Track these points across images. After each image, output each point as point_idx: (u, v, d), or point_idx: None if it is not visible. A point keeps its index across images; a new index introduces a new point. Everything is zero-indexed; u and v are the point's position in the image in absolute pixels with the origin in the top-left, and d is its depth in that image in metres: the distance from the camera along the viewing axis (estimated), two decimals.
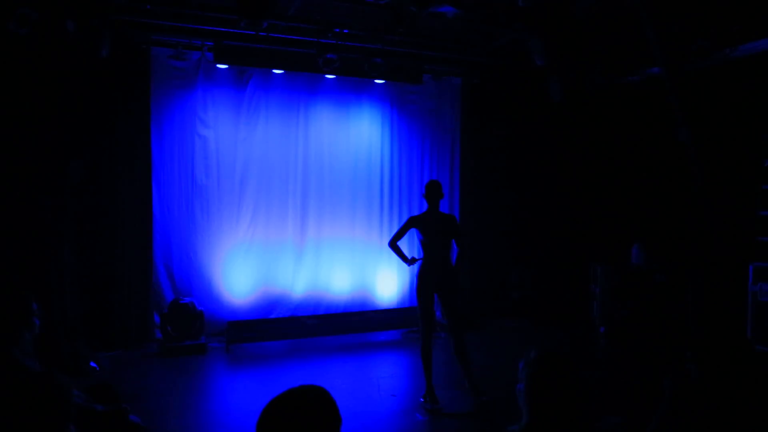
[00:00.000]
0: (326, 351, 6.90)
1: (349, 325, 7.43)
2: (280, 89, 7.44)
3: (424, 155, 8.30)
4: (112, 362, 6.11)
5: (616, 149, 8.22)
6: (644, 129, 7.82)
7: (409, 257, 5.34)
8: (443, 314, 6.99)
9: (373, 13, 6.23)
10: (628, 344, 6.83)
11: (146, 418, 3.53)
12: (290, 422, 1.53)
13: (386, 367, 6.57)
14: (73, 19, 5.69)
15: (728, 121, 6.61)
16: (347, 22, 6.55)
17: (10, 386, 1.97)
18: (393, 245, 5.27)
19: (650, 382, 4.75)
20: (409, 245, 6.65)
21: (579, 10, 6.24)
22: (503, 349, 6.86)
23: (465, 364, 5.09)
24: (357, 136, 7.90)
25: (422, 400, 5.05)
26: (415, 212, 6.26)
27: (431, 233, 5.09)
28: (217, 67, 6.98)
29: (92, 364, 5.78)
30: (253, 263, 7.34)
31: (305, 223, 7.60)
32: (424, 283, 5.08)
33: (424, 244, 5.12)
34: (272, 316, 7.31)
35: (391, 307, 7.91)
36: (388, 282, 8.00)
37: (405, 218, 5.67)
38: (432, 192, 5.12)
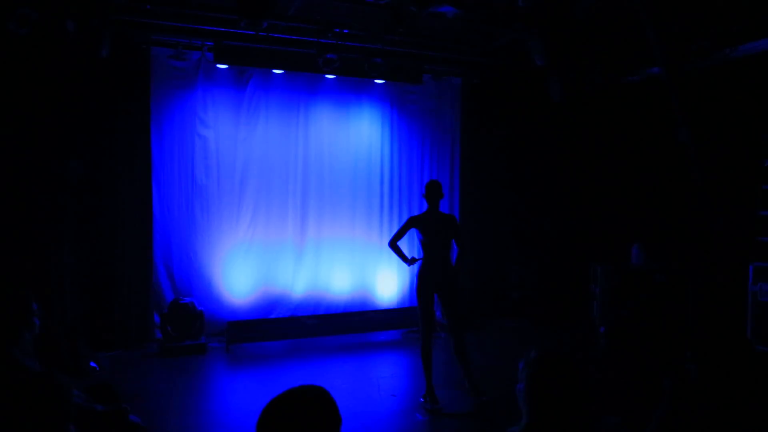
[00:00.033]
0: (326, 351, 6.90)
1: (349, 325, 7.44)
2: (280, 89, 7.44)
3: (424, 155, 8.30)
4: (112, 362, 6.11)
5: (616, 149, 8.22)
6: (644, 129, 7.82)
7: (409, 257, 5.34)
8: (443, 314, 6.99)
9: (373, 13, 6.23)
10: (628, 344, 6.82)
11: (146, 418, 3.53)
12: (290, 422, 1.53)
13: (386, 367, 6.58)
14: (73, 19, 5.69)
15: (728, 121, 6.61)
16: (347, 22, 6.55)
17: (10, 386, 1.97)
18: (393, 245, 5.27)
19: (650, 382, 4.74)
20: (409, 245, 6.64)
21: (579, 10, 6.24)
22: (503, 349, 6.86)
23: (465, 364, 5.09)
24: (357, 136, 7.90)
25: (422, 400, 5.05)
26: (415, 212, 6.26)
27: (431, 233, 5.09)
28: (217, 67, 6.98)
29: (92, 364, 5.77)
30: (253, 263, 7.34)
31: (305, 223, 7.60)
32: (424, 283, 5.08)
33: (424, 244, 5.12)
34: (272, 316, 7.31)
35: (391, 307, 7.91)
36: (388, 282, 8.00)
37: (405, 218, 5.67)
38: (432, 192, 5.12)
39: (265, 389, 5.42)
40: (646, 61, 7.08)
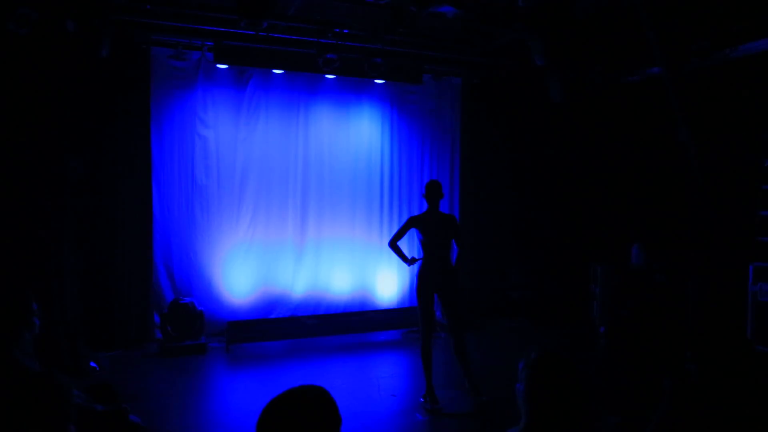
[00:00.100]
0: (326, 351, 6.90)
1: (349, 325, 7.43)
2: (280, 89, 7.44)
3: (424, 155, 8.30)
4: (112, 362, 6.11)
5: (616, 149, 8.22)
6: (644, 129, 7.82)
7: (409, 257, 5.34)
8: (443, 314, 6.99)
9: (373, 13, 6.23)
10: (628, 344, 6.82)
11: (146, 418, 3.54)
12: (290, 422, 1.53)
13: (386, 367, 6.57)
14: (73, 19, 5.70)
15: (728, 121, 6.61)
16: (347, 22, 6.55)
17: (10, 386, 1.97)
18: (393, 245, 5.27)
19: (650, 382, 4.75)
20: (409, 245, 6.65)
21: (579, 10, 6.24)
22: (503, 349, 6.86)
23: (465, 364, 5.09)
24: (357, 136, 7.90)
25: (422, 400, 5.05)
26: (415, 212, 6.26)
27: (431, 233, 5.09)
28: (217, 67, 6.98)
29: (92, 364, 5.78)
30: (253, 263, 7.34)
31: (305, 223, 7.60)
32: (424, 283, 5.08)
33: (424, 244, 5.12)
34: (272, 316, 7.31)
35: (391, 307, 7.91)
36: (388, 282, 8.00)
37: (405, 218, 5.67)
38: (432, 192, 5.12)
39: (265, 389, 5.42)
40: (646, 61, 7.09)
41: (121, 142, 6.64)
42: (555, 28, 6.62)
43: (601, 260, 7.46)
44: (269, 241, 7.42)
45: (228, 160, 7.24)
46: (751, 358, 2.40)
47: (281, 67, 7.13)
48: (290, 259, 7.52)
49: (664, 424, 2.31)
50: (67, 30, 5.69)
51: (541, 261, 8.38)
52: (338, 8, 6.27)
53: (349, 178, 7.83)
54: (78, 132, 6.26)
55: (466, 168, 8.40)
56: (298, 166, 7.57)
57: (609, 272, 7.27)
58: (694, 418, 2.28)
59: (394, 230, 5.40)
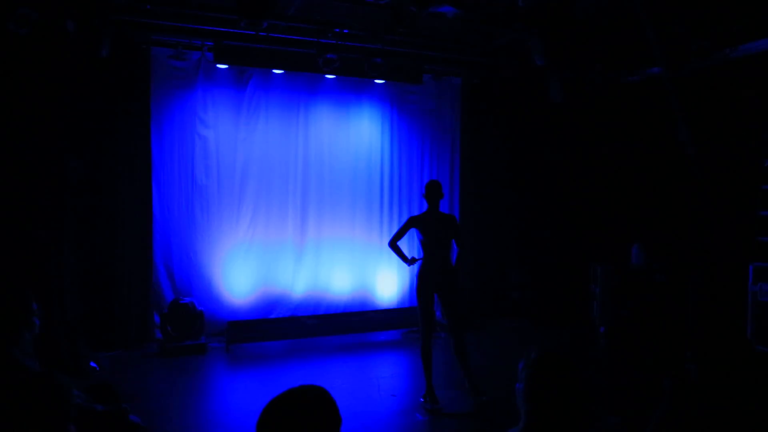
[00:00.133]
0: (326, 351, 6.90)
1: (349, 325, 7.43)
2: (280, 89, 7.44)
3: (424, 155, 8.30)
4: (112, 362, 6.11)
5: (616, 149, 8.22)
6: (644, 129, 7.82)
7: (409, 257, 5.34)
8: (443, 314, 6.99)
9: (373, 13, 6.23)
10: (628, 344, 6.82)
11: (146, 418, 3.53)
12: (290, 422, 1.53)
13: (386, 367, 6.58)
14: (73, 19, 5.70)
15: (728, 121, 6.61)
16: (347, 22, 6.55)
17: (10, 386, 1.97)
18: (393, 245, 5.27)
19: (650, 382, 4.75)
20: (409, 245, 6.64)
21: (579, 10, 6.24)
22: (503, 349, 6.86)
23: (465, 364, 5.09)
24: (357, 136, 7.90)
25: (422, 400, 5.05)
26: (415, 212, 6.26)
27: (431, 233, 5.09)
28: (217, 67, 6.97)
29: (92, 364, 5.78)
30: (253, 263, 7.34)
31: (305, 223, 7.60)
32: (424, 283, 5.08)
33: (424, 244, 5.12)
34: (272, 316, 7.31)
35: (391, 307, 7.91)
36: (388, 282, 8.00)
37: (405, 218, 5.67)
38: (432, 192, 5.12)
39: (265, 389, 5.42)
40: (646, 61, 7.09)
41: (121, 142, 6.63)
42: (555, 28, 6.62)
43: (601, 260, 7.46)
44: (269, 241, 7.42)
45: (228, 160, 7.23)
46: (751, 358, 2.40)
47: (281, 67, 7.13)
48: (290, 259, 7.52)
49: (664, 424, 2.31)
50: (67, 30, 5.69)
51: (541, 261, 8.37)
52: (338, 8, 6.26)
53: (349, 178, 7.83)
54: (78, 132, 6.26)
55: (466, 168, 8.40)
56: (298, 166, 7.57)
57: (609, 272, 7.27)
58: (694, 418, 2.28)
59: (394, 230, 5.40)
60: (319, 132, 7.67)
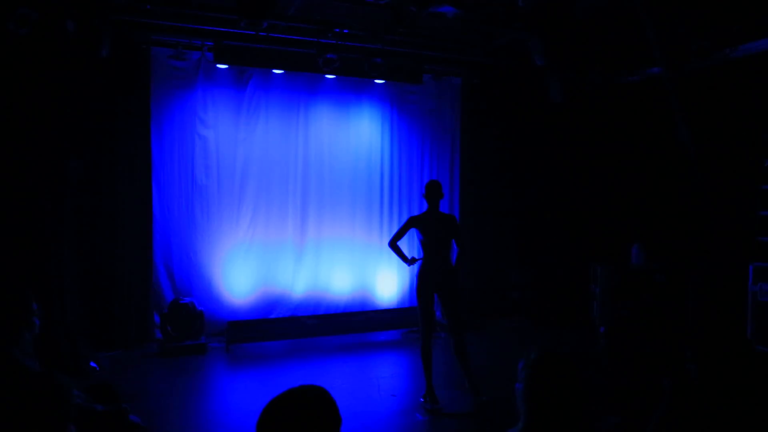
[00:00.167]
0: (326, 351, 6.90)
1: (349, 325, 7.43)
2: (280, 89, 7.44)
3: (424, 155, 8.30)
4: (112, 362, 6.11)
5: (616, 149, 8.22)
6: (644, 129, 7.82)
7: (409, 257, 5.34)
8: (443, 314, 6.99)
9: (373, 13, 6.23)
10: (628, 344, 6.82)
11: (146, 418, 3.53)
12: (290, 422, 1.53)
13: (386, 367, 6.57)
14: (73, 19, 5.69)
15: (728, 121, 6.61)
16: (347, 22, 6.55)
17: (10, 386, 1.97)
18: (393, 245, 5.27)
19: (650, 382, 4.74)
20: (409, 245, 6.64)
21: (579, 10, 6.24)
22: (503, 349, 6.86)
23: (465, 364, 5.09)
24: (357, 136, 7.90)
25: (422, 400, 5.05)
26: (415, 212, 6.26)
27: (431, 233, 5.09)
28: (217, 67, 6.97)
29: (92, 364, 5.78)
30: (253, 263, 7.34)
31: (305, 223, 7.60)
32: (424, 283, 5.08)
33: (424, 244, 5.12)
34: (272, 316, 7.31)
35: (391, 307, 7.91)
36: (388, 282, 8.00)
37: (405, 218, 5.67)
38: (432, 192, 5.12)
39: (265, 389, 5.42)
40: (646, 61, 7.09)
41: (121, 142, 6.63)
42: (555, 28, 6.62)
43: (601, 260, 7.46)
44: (269, 241, 7.42)
45: (228, 160, 7.23)
46: (751, 358, 2.40)
47: (281, 67, 7.13)
48: (290, 259, 7.52)
49: (664, 424, 2.31)
50: (67, 30, 5.68)
51: (541, 261, 8.37)
52: (338, 8, 6.26)
53: (349, 178, 7.83)
54: (78, 132, 6.26)
55: (466, 168, 8.40)
56: (298, 166, 7.57)
57: (609, 272, 7.26)
58: (694, 418, 2.28)
59: (394, 230, 5.40)
60: (319, 132, 7.66)
